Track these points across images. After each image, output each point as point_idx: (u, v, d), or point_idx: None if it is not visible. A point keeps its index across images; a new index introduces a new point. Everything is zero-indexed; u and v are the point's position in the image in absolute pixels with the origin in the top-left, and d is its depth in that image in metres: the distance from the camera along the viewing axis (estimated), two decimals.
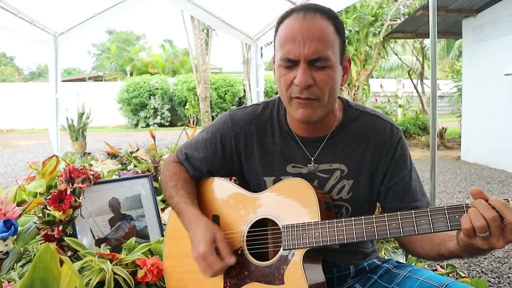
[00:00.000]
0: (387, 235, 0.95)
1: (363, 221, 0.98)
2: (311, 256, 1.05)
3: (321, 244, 1.01)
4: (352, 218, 0.99)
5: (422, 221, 0.91)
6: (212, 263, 1.06)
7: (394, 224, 0.94)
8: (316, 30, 1.02)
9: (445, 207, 0.89)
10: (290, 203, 1.10)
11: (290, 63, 1.04)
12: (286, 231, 1.06)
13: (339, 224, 1.00)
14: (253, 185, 1.24)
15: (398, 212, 0.94)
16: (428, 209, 0.92)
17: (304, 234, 1.03)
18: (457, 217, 0.88)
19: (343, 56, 1.10)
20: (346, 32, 8.62)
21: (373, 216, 0.97)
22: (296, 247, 1.04)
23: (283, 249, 1.06)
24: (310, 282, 1.00)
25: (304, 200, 1.07)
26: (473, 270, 2.67)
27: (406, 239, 1.14)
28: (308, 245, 1.03)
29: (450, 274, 2.28)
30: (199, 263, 1.08)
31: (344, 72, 1.13)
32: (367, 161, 1.16)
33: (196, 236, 1.10)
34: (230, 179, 1.32)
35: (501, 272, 2.65)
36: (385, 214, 0.96)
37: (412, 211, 0.93)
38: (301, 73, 1.01)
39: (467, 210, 0.86)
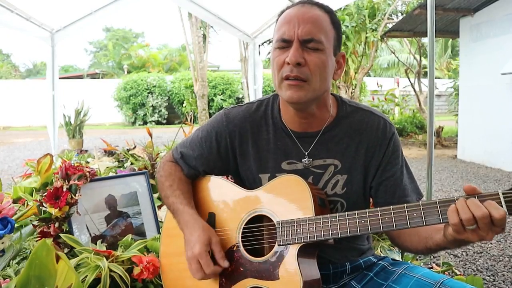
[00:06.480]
0: (380, 228, 0.96)
1: (356, 216, 0.99)
2: (306, 251, 1.05)
3: (315, 239, 1.02)
4: (346, 213, 1.01)
5: (414, 214, 0.92)
6: (205, 265, 1.08)
7: (387, 218, 0.95)
8: (312, 15, 1.08)
9: (437, 200, 0.91)
10: (284, 199, 1.10)
11: (284, 44, 1.08)
12: (280, 227, 1.07)
13: (333, 219, 1.01)
14: (249, 182, 1.24)
15: (391, 206, 0.96)
16: (420, 202, 0.93)
17: (298, 230, 1.04)
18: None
19: (337, 50, 1.13)
20: (343, 27, 8.62)
21: (366, 210, 0.99)
22: (291, 242, 1.05)
23: (278, 245, 1.07)
24: (305, 278, 1.01)
25: (298, 196, 1.08)
26: (468, 268, 2.68)
27: (395, 233, 1.16)
28: (302, 240, 1.03)
29: (445, 272, 2.29)
30: (192, 263, 1.10)
31: (338, 67, 1.16)
32: (361, 156, 1.17)
33: (192, 237, 1.11)
34: (226, 177, 1.32)
35: (496, 270, 2.67)
36: (378, 209, 0.97)
37: (405, 204, 0.94)
38: (293, 51, 1.05)
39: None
